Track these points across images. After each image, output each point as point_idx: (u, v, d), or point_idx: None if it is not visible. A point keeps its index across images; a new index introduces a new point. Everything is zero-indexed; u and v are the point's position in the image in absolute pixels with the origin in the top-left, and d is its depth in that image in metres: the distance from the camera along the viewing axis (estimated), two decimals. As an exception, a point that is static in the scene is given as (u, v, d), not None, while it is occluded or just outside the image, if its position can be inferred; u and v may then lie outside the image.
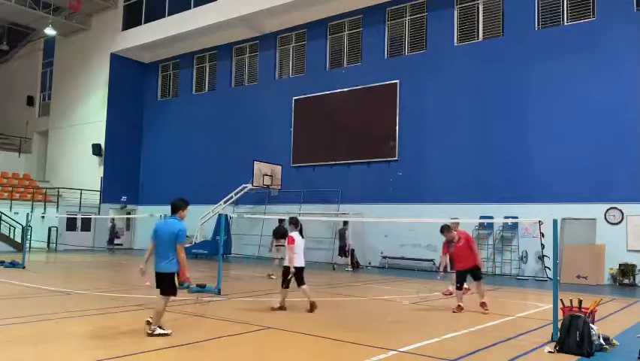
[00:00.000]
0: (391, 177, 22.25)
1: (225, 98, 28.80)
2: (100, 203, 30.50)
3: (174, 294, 7.53)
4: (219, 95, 29.27)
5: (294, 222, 10.36)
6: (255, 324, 7.93)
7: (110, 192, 30.58)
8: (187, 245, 25.02)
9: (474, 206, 19.29)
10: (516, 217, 16.23)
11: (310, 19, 25.46)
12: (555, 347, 7.06)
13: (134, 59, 32.23)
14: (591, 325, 7.08)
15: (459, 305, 10.40)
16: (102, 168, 30.93)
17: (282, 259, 16.47)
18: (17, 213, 27.66)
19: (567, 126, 18.45)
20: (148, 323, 7.31)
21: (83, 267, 19.72)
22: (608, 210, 17.49)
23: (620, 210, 17.29)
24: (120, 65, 31.72)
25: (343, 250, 20.80)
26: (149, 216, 18.30)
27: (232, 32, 27.73)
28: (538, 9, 19.70)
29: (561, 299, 7.93)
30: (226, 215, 14.22)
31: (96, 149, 31.11)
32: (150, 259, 7.63)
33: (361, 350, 6.90)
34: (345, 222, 20.59)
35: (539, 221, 9.57)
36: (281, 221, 17.31)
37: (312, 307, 9.81)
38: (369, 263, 21.80)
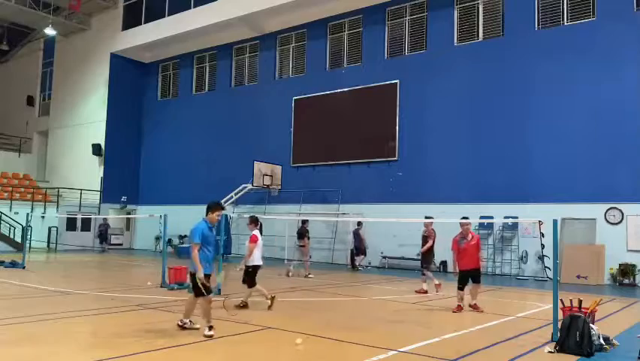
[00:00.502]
0: (391, 177, 22.25)
1: (225, 98, 28.80)
2: (100, 203, 30.50)
3: (198, 295, 7.52)
4: (219, 95, 29.27)
5: (255, 221, 10.28)
6: (255, 324, 7.93)
7: (110, 192, 30.58)
8: (187, 245, 25.26)
9: (474, 206, 19.27)
10: (516, 217, 16.21)
11: (310, 19, 25.46)
12: (555, 347, 7.06)
13: (134, 59, 32.23)
14: (591, 325, 7.08)
15: (459, 305, 10.42)
16: (102, 168, 30.93)
17: (310, 256, 17.88)
18: (17, 213, 27.66)
19: (567, 126, 18.45)
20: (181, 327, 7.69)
21: (82, 267, 19.72)
22: (608, 210, 17.49)
23: (620, 210, 17.30)
24: (120, 65, 31.72)
25: (359, 251, 20.81)
26: (148, 217, 18.28)
27: (232, 32, 27.73)
28: (538, 9, 19.70)
29: (561, 299, 7.93)
30: (226, 215, 14.21)
31: (96, 149, 31.11)
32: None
33: (361, 350, 6.90)
34: (359, 223, 20.51)
35: (539, 221, 9.56)
36: (304, 222, 18.07)
37: (244, 305, 9.86)
38: (369, 263, 21.80)
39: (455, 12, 21.70)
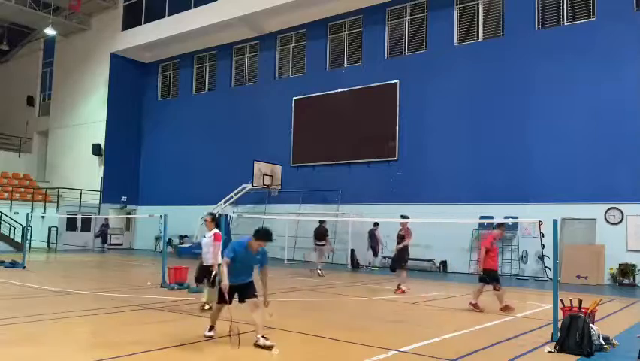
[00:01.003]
0: (391, 177, 22.25)
1: (225, 98, 28.80)
2: (100, 203, 30.50)
3: (219, 302, 7.23)
4: (219, 95, 29.27)
5: (215, 219, 9.94)
6: (255, 324, 7.92)
7: (110, 192, 30.58)
8: (187, 245, 25.30)
9: (474, 206, 19.28)
10: (516, 217, 16.21)
11: (310, 19, 25.45)
12: (555, 347, 7.06)
13: (134, 59, 32.23)
14: (591, 325, 7.08)
15: (507, 305, 10.39)
16: (102, 168, 30.93)
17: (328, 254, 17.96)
18: (17, 213, 27.66)
19: (567, 126, 18.45)
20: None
21: (82, 267, 19.72)
22: (608, 210, 17.49)
23: (620, 210, 17.29)
24: (120, 65, 31.72)
25: (375, 251, 20.83)
26: (148, 217, 18.28)
27: (232, 32, 27.73)
28: (538, 9, 19.70)
29: (561, 299, 7.93)
30: (226, 215, 14.21)
31: (96, 149, 31.11)
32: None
33: (361, 350, 6.90)
34: (376, 223, 20.47)
35: (539, 221, 9.56)
36: (322, 222, 18.35)
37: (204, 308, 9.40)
38: (370, 263, 21.80)
39: (455, 12, 21.70)
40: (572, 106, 18.45)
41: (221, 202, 24.57)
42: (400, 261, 13.65)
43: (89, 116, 32.54)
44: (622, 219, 17.24)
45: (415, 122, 21.88)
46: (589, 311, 7.82)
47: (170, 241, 26.20)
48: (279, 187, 23.98)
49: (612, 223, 17.40)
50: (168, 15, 29.51)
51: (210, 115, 29.13)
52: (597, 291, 14.46)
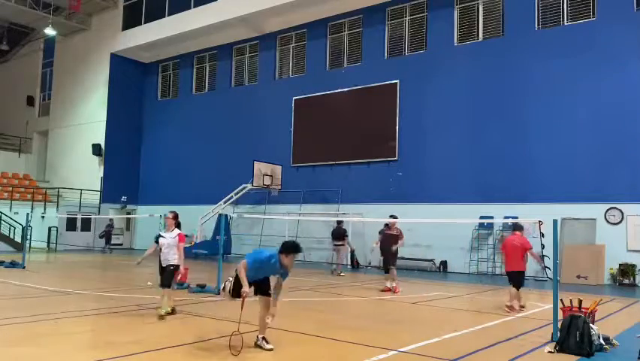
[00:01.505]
0: (391, 177, 22.25)
1: (225, 98, 28.80)
2: (100, 203, 30.50)
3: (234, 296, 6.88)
4: (219, 95, 29.27)
5: (177, 218, 9.45)
6: (255, 324, 7.91)
7: (110, 192, 30.58)
8: (187, 245, 25.24)
9: (474, 206, 19.28)
10: (516, 217, 16.19)
11: (310, 19, 25.45)
12: (555, 347, 7.06)
13: (134, 59, 32.23)
14: (591, 325, 7.08)
15: (521, 305, 10.59)
16: (102, 168, 30.93)
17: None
18: (17, 213, 27.67)
19: (567, 126, 18.45)
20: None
21: (82, 267, 19.72)
22: (608, 210, 17.48)
23: (620, 210, 17.29)
24: (120, 65, 31.72)
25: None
26: (148, 216, 18.30)
27: (232, 32, 27.73)
28: (538, 9, 19.70)
29: (561, 299, 7.93)
30: (226, 215, 14.21)
31: (96, 149, 31.10)
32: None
33: (361, 350, 6.90)
34: (387, 225, 20.44)
35: (539, 221, 9.57)
36: (339, 222, 18.60)
37: (171, 312, 9.07)
38: (370, 263, 21.80)
39: (455, 12, 21.70)
40: (572, 106, 18.45)
41: (221, 202, 24.58)
42: (393, 261, 13.72)
43: (89, 116, 32.54)
44: (622, 219, 17.24)
45: (415, 122, 21.88)
46: (589, 311, 7.82)
47: (170, 241, 26.16)
48: (279, 187, 23.98)
49: (612, 223, 17.40)
50: (168, 15, 29.50)
51: (210, 115, 29.14)
52: (597, 291, 14.46)
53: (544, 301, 11.98)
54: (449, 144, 20.95)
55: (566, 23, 19.20)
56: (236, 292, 6.75)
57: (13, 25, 35.44)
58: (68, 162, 33.22)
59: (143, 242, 30.72)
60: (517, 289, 10.49)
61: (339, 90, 24.23)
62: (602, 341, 7.08)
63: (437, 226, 19.21)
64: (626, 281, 16.54)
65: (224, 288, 7.04)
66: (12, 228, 27.52)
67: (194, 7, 28.23)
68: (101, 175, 30.85)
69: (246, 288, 6.60)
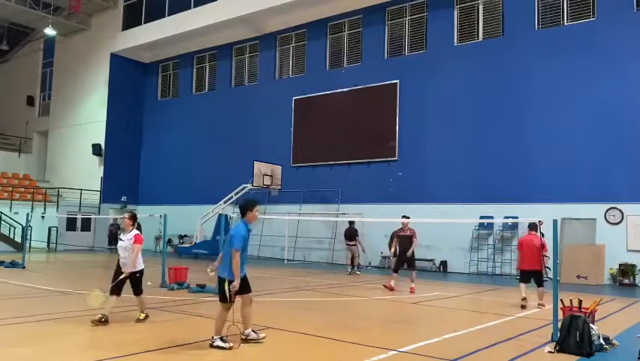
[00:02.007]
0: (391, 177, 22.25)
1: (225, 98, 28.81)
2: (100, 203, 30.50)
3: (223, 301, 6.84)
4: (219, 95, 29.27)
5: (135, 218, 8.77)
6: (254, 324, 7.92)
7: (110, 192, 30.58)
8: (187, 245, 25.32)
9: (474, 206, 19.29)
10: (516, 217, 16.21)
11: (310, 19, 25.45)
12: (555, 347, 7.06)
13: (134, 59, 32.23)
14: (591, 325, 7.08)
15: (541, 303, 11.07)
16: (102, 168, 30.93)
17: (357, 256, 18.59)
18: (17, 213, 27.67)
19: (567, 126, 18.45)
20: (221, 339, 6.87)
21: (82, 267, 19.72)
22: (608, 210, 17.48)
23: (620, 210, 17.29)
24: (120, 65, 31.72)
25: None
26: (148, 216, 18.30)
27: (232, 32, 27.73)
28: (538, 9, 19.69)
29: (561, 299, 7.93)
30: (226, 215, 14.24)
31: (96, 149, 31.10)
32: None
33: (361, 350, 6.90)
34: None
35: (539, 221, 9.58)
36: (351, 223, 18.79)
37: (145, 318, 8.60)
38: (370, 263, 21.80)
39: (455, 12, 21.70)
40: (572, 106, 18.45)
41: (221, 202, 24.58)
42: (413, 262, 13.90)
43: (89, 116, 32.54)
44: (622, 219, 17.24)
45: (414, 122, 21.88)
46: (589, 311, 7.82)
47: (170, 241, 26.21)
48: (279, 187, 23.98)
49: (612, 223, 17.40)
50: (168, 15, 29.51)
51: (210, 115, 29.14)
52: (597, 291, 14.46)
53: (544, 301, 11.97)
54: (449, 144, 20.95)
55: (566, 23, 19.20)
56: (225, 298, 6.86)
57: (13, 25, 35.45)
58: (68, 162, 33.22)
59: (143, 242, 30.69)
60: (540, 286, 11.15)
61: (339, 90, 24.23)
62: (602, 341, 7.08)
63: (437, 226, 19.20)
64: (626, 281, 16.54)
65: (230, 299, 6.85)
66: (12, 228, 27.51)
67: (194, 7, 28.23)
68: (101, 175, 30.85)
69: (237, 282, 6.73)
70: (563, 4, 19.27)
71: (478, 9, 21.25)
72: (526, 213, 17.16)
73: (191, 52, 30.51)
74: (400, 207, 20.57)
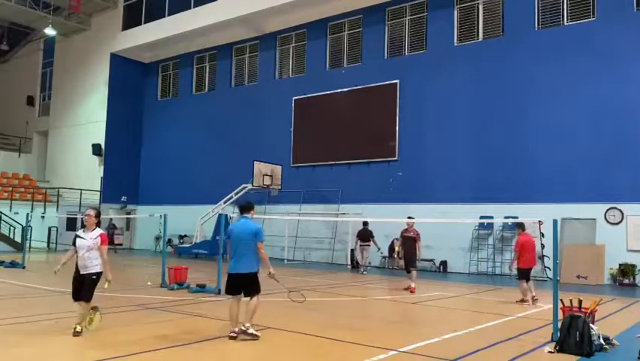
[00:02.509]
0: (391, 177, 22.25)
1: (225, 98, 28.81)
2: (100, 203, 30.48)
3: (258, 292, 7.61)
4: (219, 95, 29.27)
5: (99, 215, 8.06)
6: (254, 324, 7.93)
7: (110, 192, 30.57)
8: (187, 245, 25.31)
9: (474, 206, 19.28)
10: (516, 217, 16.20)
11: (310, 19, 25.45)
12: (555, 347, 7.06)
13: (134, 59, 32.23)
14: (591, 325, 7.08)
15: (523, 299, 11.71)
16: (102, 168, 30.93)
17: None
18: (17, 213, 27.67)
19: (567, 126, 18.45)
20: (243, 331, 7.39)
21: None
22: (608, 210, 17.48)
23: (620, 210, 17.29)
24: (120, 65, 31.71)
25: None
26: (148, 216, 18.29)
27: (232, 32, 27.73)
28: (538, 9, 19.69)
29: (561, 299, 7.93)
30: (226, 215, 14.21)
31: (96, 149, 31.11)
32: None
33: (361, 350, 6.90)
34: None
35: (539, 221, 9.59)
36: (365, 223, 18.85)
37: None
38: (370, 263, 21.78)
39: (455, 12, 21.70)
40: (572, 106, 18.44)
41: (221, 202, 24.58)
42: (414, 262, 13.91)
43: (89, 116, 32.54)
44: (622, 219, 17.24)
45: (414, 122, 21.88)
46: (589, 311, 7.82)
47: (170, 241, 26.21)
48: (279, 187, 23.98)
49: (612, 223, 17.39)
50: (168, 15, 29.51)
51: (210, 115, 29.14)
52: (597, 291, 14.45)
53: (544, 301, 11.98)
54: (449, 143, 20.94)
55: (566, 23, 19.19)
56: (235, 290, 7.52)
57: (13, 25, 35.44)
58: (68, 162, 33.22)
59: (143, 242, 30.77)
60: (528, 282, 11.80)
61: (339, 90, 24.22)
62: (602, 341, 7.08)
63: (437, 226, 19.18)
64: (626, 281, 16.53)
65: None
66: (12, 228, 27.51)
67: (194, 7, 28.23)
68: (101, 175, 30.85)
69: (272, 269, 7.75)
70: (562, 4, 19.27)
71: (478, 9, 21.25)
72: (526, 213, 17.15)
73: (191, 52, 30.51)
74: (399, 207, 20.60)
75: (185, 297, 11.44)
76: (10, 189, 29.51)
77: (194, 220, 25.39)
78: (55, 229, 28.33)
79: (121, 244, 30.79)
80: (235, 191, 24.29)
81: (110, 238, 27.96)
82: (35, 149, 36.20)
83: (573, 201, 17.85)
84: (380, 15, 23.62)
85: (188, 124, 30.10)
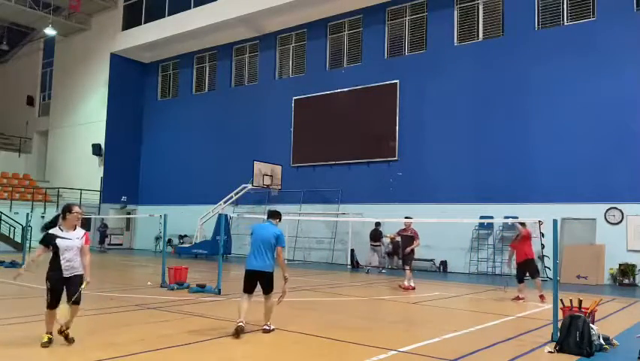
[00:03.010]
0: (391, 177, 22.25)
1: (225, 98, 28.81)
2: (100, 203, 30.50)
3: (271, 292, 8.00)
4: (219, 95, 29.27)
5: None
6: (255, 324, 7.93)
7: (110, 192, 30.58)
8: (187, 245, 25.31)
9: (474, 206, 19.28)
10: (516, 217, 16.19)
11: (310, 19, 25.45)
12: (555, 347, 7.06)
13: (134, 59, 32.23)
14: (591, 325, 7.08)
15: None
16: (102, 168, 30.93)
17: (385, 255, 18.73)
18: (17, 213, 27.66)
19: (567, 126, 18.45)
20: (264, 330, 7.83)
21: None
22: (608, 210, 17.48)
23: (620, 210, 17.29)
24: (120, 65, 31.72)
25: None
26: (148, 216, 18.30)
27: (232, 32, 27.73)
28: (538, 9, 19.70)
29: (561, 299, 7.92)
30: (226, 215, 14.22)
31: (96, 149, 31.11)
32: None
33: (361, 350, 6.90)
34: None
35: (539, 221, 9.59)
36: (377, 224, 19.07)
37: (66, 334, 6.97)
38: (370, 263, 21.77)
39: (455, 12, 21.70)
40: (572, 106, 18.45)
41: (221, 202, 24.58)
42: (407, 262, 13.95)
43: (89, 116, 32.55)
44: (622, 219, 17.24)
45: (414, 122, 21.88)
46: (589, 311, 7.81)
47: (170, 241, 26.22)
48: (279, 187, 23.99)
49: (612, 223, 17.40)
50: (168, 15, 29.52)
51: (210, 115, 29.14)
52: (597, 291, 14.46)
53: (544, 301, 11.98)
54: (449, 143, 20.94)
55: (565, 23, 19.20)
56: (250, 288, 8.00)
57: (13, 25, 35.45)
58: (68, 162, 33.23)
59: (143, 242, 30.78)
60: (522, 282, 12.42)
61: (339, 90, 24.22)
62: (602, 341, 7.08)
63: (437, 226, 19.19)
64: (626, 281, 16.54)
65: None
66: (12, 228, 27.51)
67: (194, 7, 28.24)
68: (101, 175, 30.85)
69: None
70: (562, 4, 19.27)
71: (478, 9, 21.25)
72: (526, 213, 17.17)
73: (191, 52, 30.51)
74: (399, 207, 20.58)
75: (185, 297, 11.44)
76: (10, 189, 29.52)
77: (194, 220, 25.39)
78: (55, 229, 28.29)
79: (121, 244, 30.84)
80: (235, 191, 24.30)
81: (102, 238, 28.17)
82: (35, 149, 36.22)
83: (573, 201, 17.86)
84: (380, 15, 23.62)
85: (188, 124, 30.10)
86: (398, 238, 15.29)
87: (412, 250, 14.03)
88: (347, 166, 23.65)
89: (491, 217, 17.53)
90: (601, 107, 17.87)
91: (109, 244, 29.04)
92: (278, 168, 24.06)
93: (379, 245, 19.10)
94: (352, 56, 24.66)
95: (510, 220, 14.05)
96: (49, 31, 31.65)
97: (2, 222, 27.33)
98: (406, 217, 14.06)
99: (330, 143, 24.15)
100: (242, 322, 7.48)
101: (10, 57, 39.37)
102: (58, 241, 7.10)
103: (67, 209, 7.11)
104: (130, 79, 32.12)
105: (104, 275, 17.39)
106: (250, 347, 7.13)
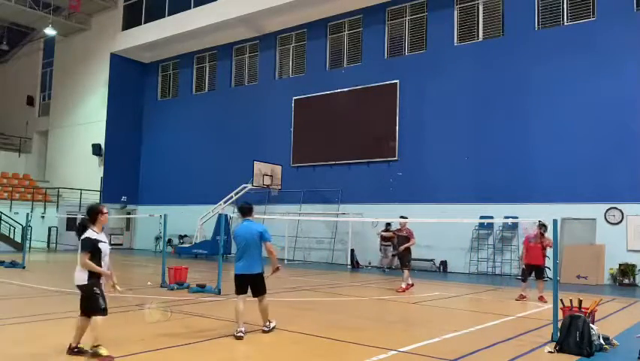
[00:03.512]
0: (391, 177, 22.25)
1: (225, 98, 28.81)
2: (100, 203, 30.47)
3: (265, 292, 7.87)
4: (219, 95, 29.27)
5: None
6: (255, 324, 7.93)
7: (110, 192, 30.56)
8: (187, 245, 25.31)
9: (474, 206, 19.28)
10: (516, 217, 16.20)
11: (310, 19, 25.45)
12: (555, 347, 7.06)
13: (134, 59, 32.22)
14: (591, 325, 7.08)
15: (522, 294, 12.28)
16: (102, 168, 30.93)
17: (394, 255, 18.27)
18: (17, 213, 27.66)
19: (567, 126, 18.45)
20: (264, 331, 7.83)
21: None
22: (608, 210, 17.48)
23: (620, 210, 17.29)
24: (120, 65, 31.71)
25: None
26: (148, 216, 18.30)
27: (232, 32, 27.72)
28: (538, 9, 19.69)
29: (561, 299, 7.93)
30: (226, 215, 14.23)
31: (96, 149, 31.11)
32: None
33: (361, 350, 6.90)
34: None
35: (539, 221, 9.59)
36: (388, 225, 19.27)
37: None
38: (369, 263, 21.80)
39: (455, 12, 21.70)
40: (572, 106, 18.44)
41: (221, 202, 24.58)
42: (404, 261, 13.92)
43: (89, 116, 32.54)
44: (622, 219, 17.24)
45: (414, 122, 21.88)
46: (589, 311, 7.82)
47: (170, 241, 26.22)
48: (279, 187, 23.99)
49: (612, 223, 17.40)
50: (168, 15, 29.51)
51: (210, 115, 29.14)
52: (597, 291, 14.46)
53: (544, 301, 11.98)
54: (449, 143, 20.94)
55: (565, 23, 19.19)
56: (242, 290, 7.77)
57: (13, 25, 35.45)
58: (68, 162, 33.23)
59: (143, 242, 30.79)
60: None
61: (339, 90, 24.22)
62: (602, 341, 7.08)
63: (437, 226, 19.20)
64: (626, 281, 16.54)
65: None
66: (12, 228, 27.52)
67: (194, 7, 28.24)
68: (101, 175, 30.85)
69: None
70: (562, 4, 19.27)
71: (478, 9, 21.25)
72: (526, 213, 17.17)
73: (191, 52, 30.51)
74: (399, 207, 20.56)
75: (185, 297, 11.44)
76: (10, 189, 29.52)
77: (194, 220, 25.38)
78: (55, 229, 28.34)
79: (121, 244, 30.84)
80: (235, 191, 24.29)
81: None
82: (35, 149, 36.22)
83: (573, 201, 17.85)
84: (380, 15, 23.62)
85: (188, 124, 30.10)
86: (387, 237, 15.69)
87: (408, 250, 13.94)
88: (347, 166, 23.66)
89: (491, 217, 17.53)
90: (601, 107, 17.87)
91: (109, 244, 29.00)
92: (278, 168, 24.06)
93: (390, 245, 19.24)
94: (352, 56, 24.66)
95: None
96: (49, 31, 31.65)
97: (2, 222, 27.33)
98: (401, 217, 14.04)
99: (330, 143, 24.15)
100: (242, 331, 7.38)
101: (10, 57, 39.36)
102: (100, 245, 6.86)
103: (98, 210, 6.82)
104: (130, 79, 32.12)
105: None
106: (250, 347, 7.13)
